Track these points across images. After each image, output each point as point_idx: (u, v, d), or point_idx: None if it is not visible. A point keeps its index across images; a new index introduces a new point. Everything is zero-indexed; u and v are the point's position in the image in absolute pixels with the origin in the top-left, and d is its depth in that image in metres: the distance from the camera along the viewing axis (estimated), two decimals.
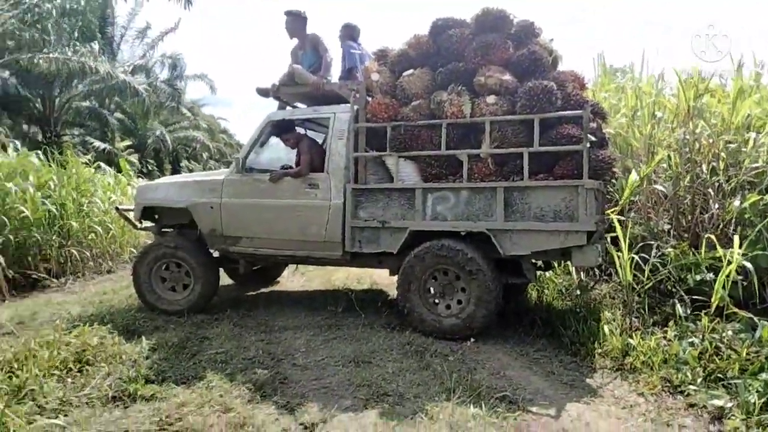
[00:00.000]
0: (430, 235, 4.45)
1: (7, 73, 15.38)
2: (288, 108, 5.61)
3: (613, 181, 5.04)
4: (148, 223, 6.01)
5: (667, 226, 5.10)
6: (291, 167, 5.17)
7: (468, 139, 4.46)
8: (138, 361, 3.89)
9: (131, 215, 5.92)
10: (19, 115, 16.28)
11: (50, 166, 7.94)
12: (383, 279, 6.61)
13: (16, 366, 3.65)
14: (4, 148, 7.93)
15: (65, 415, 3.11)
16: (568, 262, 4.70)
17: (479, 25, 4.54)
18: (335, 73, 5.57)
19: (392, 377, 3.59)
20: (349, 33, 5.72)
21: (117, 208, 6.30)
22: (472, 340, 4.28)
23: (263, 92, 5.56)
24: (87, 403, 3.28)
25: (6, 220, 6.50)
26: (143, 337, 4.39)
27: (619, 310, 4.38)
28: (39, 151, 8.41)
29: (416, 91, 4.60)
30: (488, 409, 3.07)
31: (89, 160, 9.29)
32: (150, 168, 19.83)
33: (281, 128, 5.28)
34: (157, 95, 16.23)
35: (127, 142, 18.52)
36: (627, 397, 3.31)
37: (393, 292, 5.95)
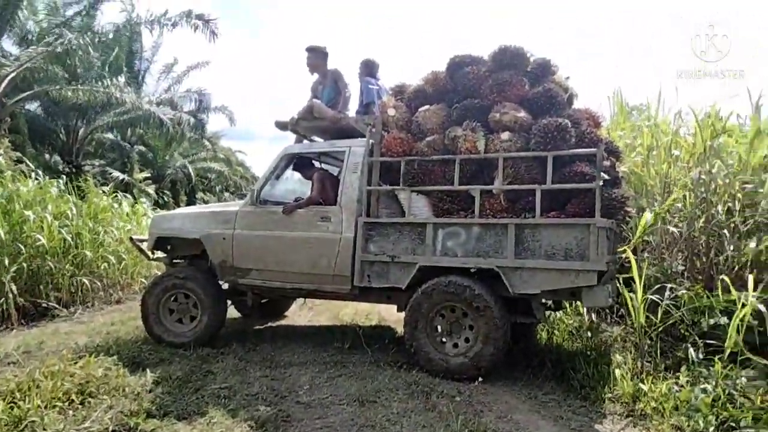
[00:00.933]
0: (439, 271, 4.40)
1: (35, 105, 15.89)
2: (305, 141, 5.69)
3: (627, 219, 4.99)
4: (160, 254, 6.06)
5: (681, 268, 5.00)
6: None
7: (481, 175, 4.46)
8: (141, 395, 3.87)
9: (145, 245, 5.97)
10: (43, 145, 16.71)
11: (69, 195, 8.09)
12: (391, 315, 6.56)
13: (18, 396, 3.65)
14: (27, 177, 8.08)
15: None
16: (579, 302, 4.62)
17: (496, 63, 4.59)
18: (353, 108, 5.67)
19: (397, 418, 3.51)
20: (368, 69, 5.81)
21: (131, 238, 6.34)
22: (480, 380, 4.19)
23: (282, 125, 5.68)
24: None
25: (22, 247, 6.59)
26: (148, 370, 4.36)
27: (631, 353, 4.28)
28: (59, 180, 8.58)
29: (431, 126, 4.63)
30: None
31: (109, 190, 9.46)
32: (166, 199, 20.11)
33: (297, 161, 5.35)
34: (180, 126, 16.52)
35: (146, 174, 18.88)
36: None
37: (401, 329, 5.89)
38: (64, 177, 9.60)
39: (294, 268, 4.97)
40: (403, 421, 3.45)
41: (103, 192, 9.14)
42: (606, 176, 4.09)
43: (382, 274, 4.63)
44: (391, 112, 4.85)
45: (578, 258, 3.93)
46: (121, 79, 15.08)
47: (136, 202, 10.46)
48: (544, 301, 4.57)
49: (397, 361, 4.73)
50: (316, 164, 5.54)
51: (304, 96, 5.92)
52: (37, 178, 8.37)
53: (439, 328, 4.44)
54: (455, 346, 4.37)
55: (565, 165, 4.14)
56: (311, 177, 5.29)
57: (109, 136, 18.32)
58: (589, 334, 4.89)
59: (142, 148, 21.15)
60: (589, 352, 4.52)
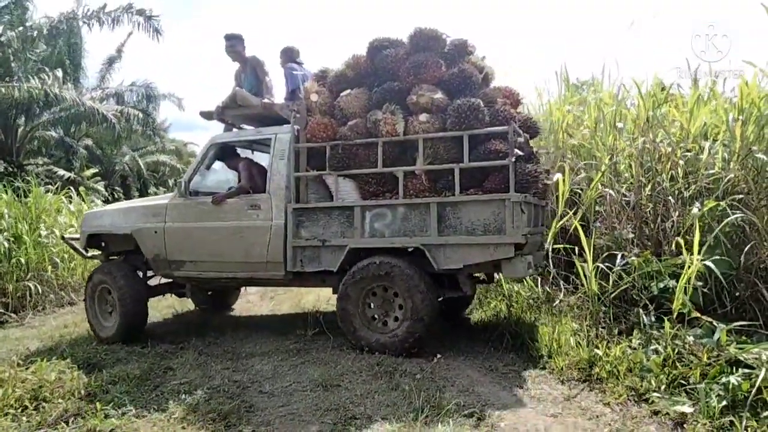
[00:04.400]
0: (369, 253, 4.51)
1: None
2: (235, 130, 5.63)
3: (547, 194, 5.16)
4: (97, 252, 5.99)
5: (630, 235, 5.16)
6: None
7: (404, 157, 4.55)
8: (97, 396, 3.76)
9: (78, 244, 5.87)
10: None
11: (4, 195, 7.73)
12: None
13: None
14: None
15: None
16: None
17: (413, 45, 4.65)
18: (281, 96, 5.63)
19: (361, 399, 3.52)
20: (289, 56, 5.79)
21: (63, 237, 6.25)
22: (438, 356, 4.25)
23: (206, 115, 5.62)
24: None
25: None
26: (104, 371, 4.25)
27: (586, 320, 4.40)
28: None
29: (353, 110, 4.68)
30: (456, 426, 3.03)
31: (57, 189, 9.08)
32: (117, 195, 19.43)
33: (224, 151, 5.36)
34: (128, 121, 15.92)
35: (94, 170, 18.20)
36: (593, 407, 3.30)
37: None
38: (5, 178, 9.16)
39: (227, 257, 5.01)
40: (366, 402, 3.46)
41: (48, 192, 8.77)
42: (520, 152, 4.22)
43: (314, 258, 4.71)
44: (314, 97, 4.87)
45: (496, 232, 4.09)
46: (59, 73, 14.41)
47: (84, 201, 10.08)
48: (474, 275, 4.71)
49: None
50: (241, 153, 5.51)
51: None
52: None
53: (371, 306, 4.55)
54: (385, 324, 4.50)
55: (481, 143, 4.26)
56: (236, 167, 5.31)
57: (53, 133, 17.51)
58: (545, 304, 5.00)
59: (89, 143, 20.34)
60: (545, 322, 4.62)
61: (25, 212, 7.66)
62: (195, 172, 5.30)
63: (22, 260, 7.04)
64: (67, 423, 3.35)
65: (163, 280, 5.69)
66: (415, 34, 4.62)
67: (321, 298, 6.84)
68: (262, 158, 5.48)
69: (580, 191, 5.74)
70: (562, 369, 3.87)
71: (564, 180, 5.30)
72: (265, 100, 5.36)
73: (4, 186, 8.05)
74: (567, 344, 4.10)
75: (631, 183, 5.50)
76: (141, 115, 16.84)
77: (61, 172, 16.44)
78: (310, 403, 3.54)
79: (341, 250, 4.57)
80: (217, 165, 5.59)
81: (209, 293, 6.27)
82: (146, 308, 5.43)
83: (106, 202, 14.85)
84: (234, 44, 5.67)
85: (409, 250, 4.46)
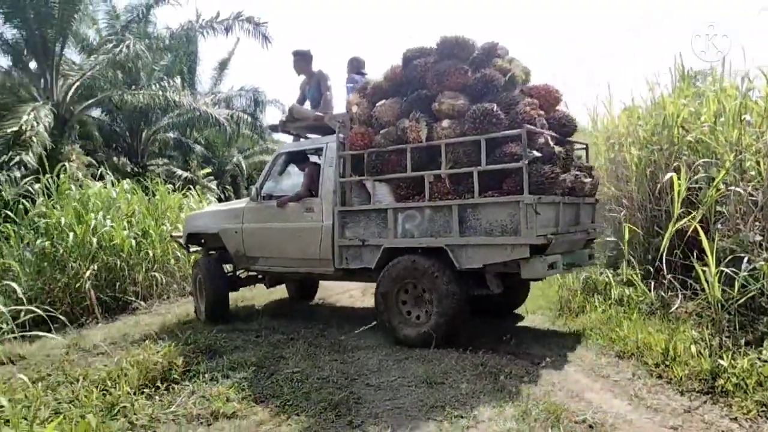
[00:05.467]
0: (402, 252, 4.82)
1: (98, 111, 16.73)
2: (302, 140, 6.18)
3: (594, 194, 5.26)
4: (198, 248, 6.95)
5: (758, 238, 4.76)
6: None
7: (431, 161, 4.70)
8: (220, 380, 4.07)
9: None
10: (110, 148, 17.59)
11: (136, 194, 8.54)
12: None
13: (109, 384, 3.92)
14: (102, 179, 8.59)
15: (154, 431, 3.29)
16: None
17: (440, 53, 4.82)
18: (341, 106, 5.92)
19: (466, 399, 3.54)
20: (353, 66, 6.20)
21: (171, 236, 7.19)
22: (547, 360, 4.16)
23: (273, 128, 6.33)
24: (174, 420, 3.46)
25: (97, 247, 7.05)
26: (224, 357, 4.59)
27: (707, 329, 4.11)
28: (128, 180, 9.05)
29: (387, 119, 4.93)
30: None
31: (178, 187, 9.92)
32: (228, 194, 20.72)
33: (295, 158, 5.97)
34: (237, 124, 16.97)
35: (207, 170, 19.50)
36: (718, 422, 3.09)
37: None
38: (133, 177, 10.11)
39: (290, 254, 5.65)
40: (472, 402, 3.47)
41: (173, 190, 9.58)
42: (537, 154, 4.30)
43: (356, 256, 5.13)
44: (354, 108, 5.20)
45: (512, 233, 4.23)
46: (177, 80, 15.62)
47: (201, 198, 10.88)
48: (506, 273, 4.68)
49: (462, 344, 4.76)
50: (311, 158, 5.96)
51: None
52: (112, 182, 8.84)
53: (405, 302, 4.84)
54: (418, 318, 4.78)
55: (498, 146, 4.36)
56: (303, 172, 5.82)
57: (171, 135, 19.01)
58: (660, 310, 4.74)
59: (202, 145, 21.84)
60: (660, 329, 4.38)
61: (152, 209, 8.41)
62: (265, 179, 5.96)
63: (150, 253, 7.74)
64: (194, 404, 3.66)
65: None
66: (441, 42, 4.81)
67: None
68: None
69: (697, 191, 5.37)
70: (681, 379, 3.65)
71: (680, 178, 4.99)
72: (318, 113, 5.78)
73: (134, 186, 8.88)
74: (686, 353, 3.86)
75: (759, 181, 5.06)
76: (249, 118, 17.85)
77: (180, 171, 17.79)
78: (415, 398, 3.61)
79: (378, 249, 4.93)
80: (291, 169, 6.14)
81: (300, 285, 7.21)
82: (225, 295, 6.23)
83: (219, 200, 15.90)
84: (298, 61, 6.20)
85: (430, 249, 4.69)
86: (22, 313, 3.96)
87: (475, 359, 4.31)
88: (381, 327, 4.97)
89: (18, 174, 8.96)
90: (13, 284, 4.32)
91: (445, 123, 4.58)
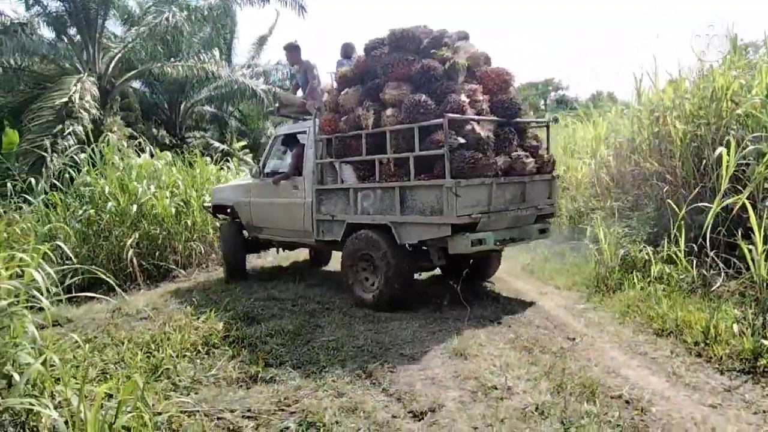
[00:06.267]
0: (361, 227, 5.34)
1: (139, 84, 17.01)
2: (299, 122, 6.69)
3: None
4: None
5: None
6: None
7: (382, 146, 5.09)
8: (258, 346, 4.18)
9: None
10: (149, 120, 17.91)
11: (175, 165, 8.73)
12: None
13: (153, 347, 4.08)
14: (143, 151, 8.79)
15: (196, 393, 3.42)
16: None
17: (391, 45, 5.22)
18: None
19: (500, 371, 3.56)
20: (344, 51, 6.57)
21: (203, 205, 7.79)
22: (583, 336, 4.13)
23: (271, 113, 7.06)
24: (214, 382, 3.59)
25: (139, 216, 7.28)
26: (262, 324, 4.71)
27: (750, 308, 4.00)
28: (168, 152, 9.24)
29: (350, 106, 5.37)
30: (602, 407, 2.96)
31: (216, 160, 10.09)
32: None
33: (286, 140, 6.62)
34: (275, 98, 17.02)
35: (243, 143, 19.72)
36: (760, 401, 3.03)
37: (499, 287, 5.91)
38: (172, 149, 10.31)
39: (284, 225, 6.38)
40: (506, 374, 3.48)
41: (211, 162, 9.74)
42: (461, 140, 4.62)
43: (329, 229, 5.73)
44: (325, 96, 5.79)
45: (438, 213, 4.68)
46: (216, 53, 15.71)
47: (237, 171, 11.04)
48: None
49: (497, 317, 4.77)
50: (301, 140, 6.38)
51: None
52: (151, 154, 9.05)
53: (364, 269, 5.39)
54: (373, 284, 5.28)
55: (429, 134, 4.77)
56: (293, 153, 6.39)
57: (208, 108, 19.22)
58: (701, 288, 4.63)
59: (237, 120, 22.06)
60: (701, 307, 4.29)
61: (191, 180, 8.59)
62: (267, 158, 6.71)
63: (189, 223, 7.93)
64: (233, 368, 3.78)
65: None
66: (390, 35, 5.22)
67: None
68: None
69: (745, 167, 5.17)
70: (721, 358, 3.58)
71: (729, 154, 4.81)
72: (302, 100, 6.47)
73: (173, 157, 9.06)
74: (728, 332, 3.78)
75: None
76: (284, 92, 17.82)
77: (216, 144, 18.04)
78: (449, 369, 3.65)
79: (342, 223, 5.49)
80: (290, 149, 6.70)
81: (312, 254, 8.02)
82: (241, 256, 7.04)
83: None
84: (289, 53, 6.97)
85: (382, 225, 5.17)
86: (69, 277, 4.12)
87: (509, 333, 4.33)
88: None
89: (69, 143, 9.20)
90: (64, 246, 4.46)
91: (389, 111, 5.02)
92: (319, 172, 5.75)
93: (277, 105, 6.83)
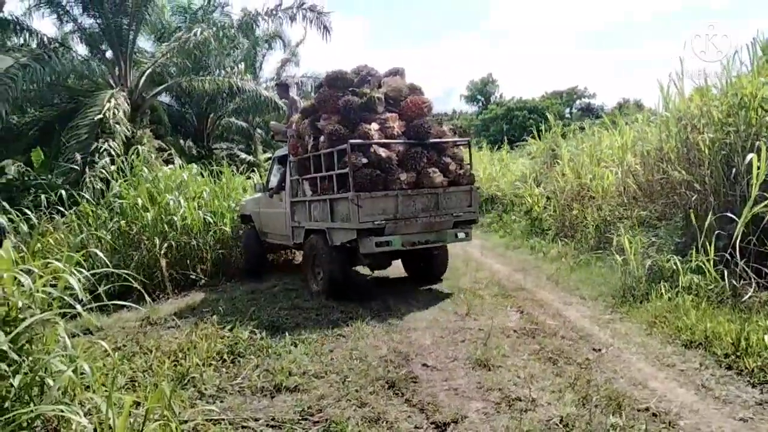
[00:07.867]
0: (313, 232, 6.47)
1: (168, 97, 17.42)
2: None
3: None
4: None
5: None
6: None
7: (320, 166, 6.20)
8: (282, 355, 4.23)
9: None
10: (177, 132, 18.32)
11: (203, 176, 8.91)
12: (511, 283, 6.53)
13: (180, 355, 4.17)
14: (171, 162, 9.01)
15: (221, 401, 3.47)
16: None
17: (327, 84, 6.36)
18: None
19: (524, 382, 3.53)
20: (279, 93, 8.32)
21: (235, 210, 8.80)
22: (609, 347, 4.07)
23: (272, 136, 8.26)
24: (239, 391, 3.65)
25: (167, 227, 7.46)
26: (286, 333, 4.76)
27: None
28: (195, 164, 9.43)
29: (303, 134, 6.50)
30: (628, 420, 2.91)
31: (242, 171, 10.27)
32: None
33: (279, 161, 7.96)
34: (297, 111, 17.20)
35: (268, 154, 19.96)
36: None
37: (523, 298, 5.86)
38: (199, 160, 10.51)
39: (278, 231, 7.60)
40: (530, 386, 3.46)
41: (238, 173, 9.92)
42: (364, 160, 5.61)
43: (299, 234, 6.89)
44: (293, 125, 6.85)
45: (347, 220, 5.66)
46: (241, 66, 16.01)
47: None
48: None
49: (521, 327, 4.74)
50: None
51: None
52: (180, 165, 9.24)
53: (317, 266, 6.42)
54: (320, 278, 6.35)
55: (343, 156, 5.78)
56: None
57: (234, 120, 19.54)
58: (732, 299, 4.52)
59: (261, 130, 22.39)
60: (732, 318, 4.19)
61: (218, 191, 8.76)
62: (269, 174, 8.15)
63: (217, 232, 8.08)
64: (258, 377, 3.83)
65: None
66: (326, 76, 6.51)
67: (478, 280, 6.89)
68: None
69: None
70: (752, 371, 3.49)
71: (759, 160, 4.72)
72: (285, 128, 7.55)
73: (200, 168, 9.25)
74: (759, 344, 3.68)
75: None
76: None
77: (243, 155, 18.32)
78: (472, 380, 3.64)
79: (303, 229, 6.70)
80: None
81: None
82: (258, 256, 8.15)
83: None
84: (279, 91, 8.80)
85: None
86: (102, 284, 4.22)
87: (533, 344, 4.29)
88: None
89: (105, 161, 9.43)
90: (100, 253, 4.59)
91: (322, 138, 6.10)
92: (291, 187, 7.01)
93: (271, 133, 8.20)
